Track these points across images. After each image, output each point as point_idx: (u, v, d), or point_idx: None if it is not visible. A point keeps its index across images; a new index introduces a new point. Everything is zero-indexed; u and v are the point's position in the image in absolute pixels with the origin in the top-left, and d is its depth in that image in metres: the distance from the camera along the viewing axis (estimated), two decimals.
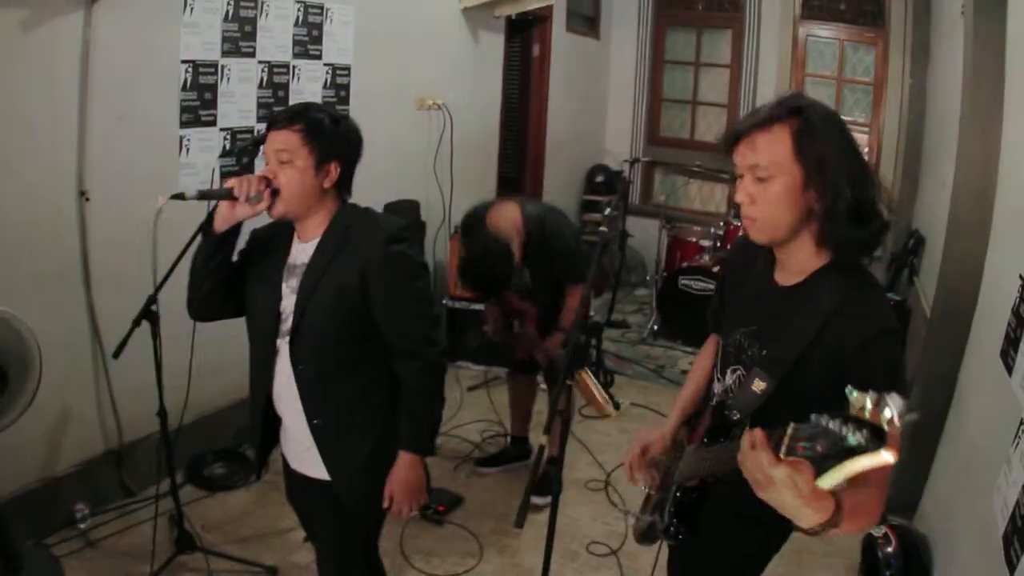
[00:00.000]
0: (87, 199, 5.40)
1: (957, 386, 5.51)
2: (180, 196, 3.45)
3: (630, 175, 11.92)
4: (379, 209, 7.91)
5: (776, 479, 2.09)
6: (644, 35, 12.93)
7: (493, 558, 5.72)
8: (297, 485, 3.90)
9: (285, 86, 6.90)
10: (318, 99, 7.23)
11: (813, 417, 1.97)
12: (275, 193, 3.39)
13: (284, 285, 3.55)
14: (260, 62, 6.60)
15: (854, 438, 1.85)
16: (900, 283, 8.86)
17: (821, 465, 1.96)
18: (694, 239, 10.62)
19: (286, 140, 3.36)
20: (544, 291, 6.14)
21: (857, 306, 2.66)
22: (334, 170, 3.46)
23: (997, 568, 3.66)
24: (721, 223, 10.47)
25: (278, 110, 3.42)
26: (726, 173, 11.43)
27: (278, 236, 3.65)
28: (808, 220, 2.69)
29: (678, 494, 3.18)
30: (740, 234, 3.37)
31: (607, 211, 4.60)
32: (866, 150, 11.14)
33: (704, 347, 3.63)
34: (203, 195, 3.47)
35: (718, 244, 10.26)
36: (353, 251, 3.45)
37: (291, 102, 6.90)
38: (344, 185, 3.59)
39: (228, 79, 6.34)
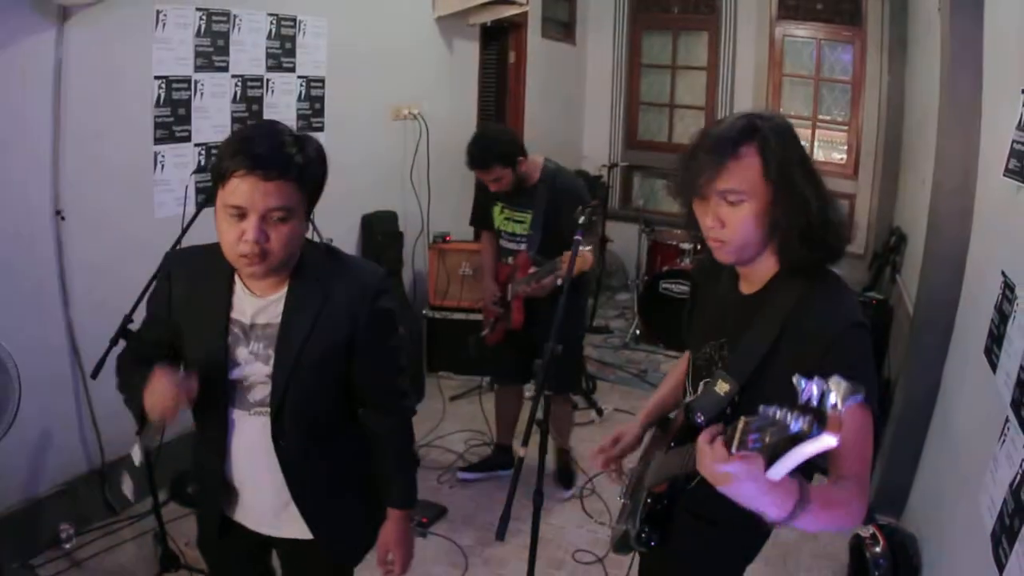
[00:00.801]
0: (63, 218, 5.37)
1: (942, 384, 5.53)
2: (135, 464, 3.18)
3: (609, 180, 11.96)
4: (357, 221, 7.93)
5: (731, 474, 2.13)
6: (620, 39, 12.95)
7: (478, 569, 5.72)
8: (250, 548, 3.51)
9: (259, 99, 6.90)
10: (292, 112, 7.28)
11: (762, 409, 2.02)
12: (264, 254, 2.79)
13: (243, 349, 3.08)
14: (233, 76, 6.59)
15: (797, 424, 1.89)
16: (882, 281, 8.87)
17: (771, 455, 2.00)
18: (674, 242, 10.60)
19: (285, 196, 2.75)
20: (536, 238, 6.21)
21: (819, 305, 2.69)
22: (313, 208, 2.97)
23: (985, 566, 3.66)
24: None
25: (244, 146, 2.74)
26: None
27: (209, 277, 3.08)
28: (773, 236, 2.72)
29: (648, 500, 3.17)
30: (704, 255, 3.35)
31: (581, 219, 4.58)
32: (845, 148, 11.21)
33: (680, 359, 3.65)
34: (146, 446, 3.20)
35: (698, 247, 10.15)
36: (337, 311, 3.03)
37: (265, 115, 6.95)
38: None
39: (201, 94, 6.32)
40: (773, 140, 2.64)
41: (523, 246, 6.27)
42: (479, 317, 7.02)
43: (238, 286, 3.07)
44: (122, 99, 5.73)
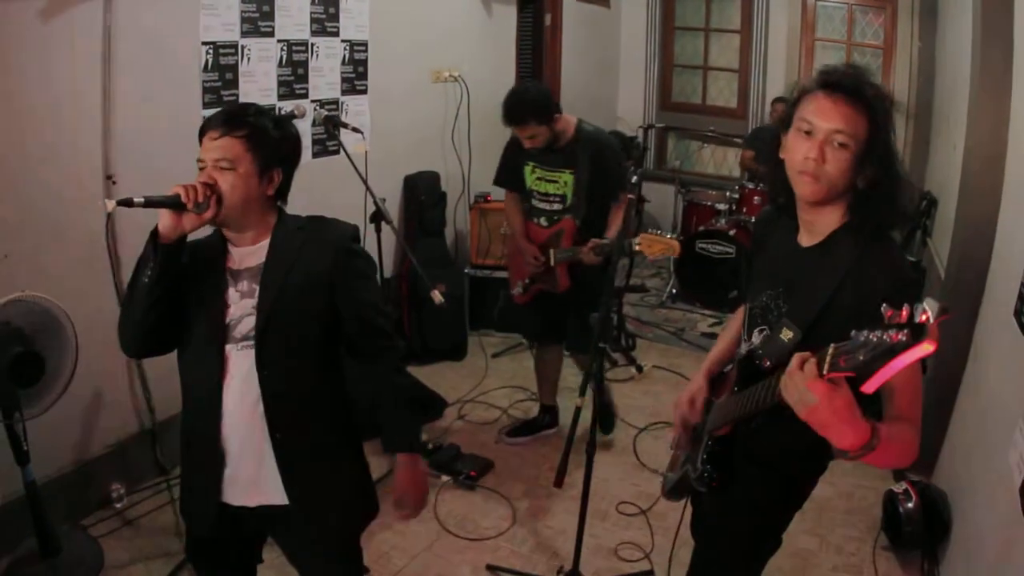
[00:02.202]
0: (114, 182, 5.49)
1: (972, 345, 5.55)
2: (128, 202, 3.06)
3: (644, 141, 12.03)
4: (400, 182, 8.04)
5: (817, 396, 2.27)
6: (654, 2, 12.94)
7: (526, 520, 5.82)
8: (237, 523, 3.47)
9: (304, 63, 7.00)
10: (336, 76, 7.38)
11: (853, 333, 2.14)
12: (218, 200, 3.15)
13: (232, 290, 3.31)
14: (279, 41, 6.69)
15: (895, 338, 2.00)
16: (914, 244, 8.87)
17: (865, 372, 2.10)
18: (709, 203, 10.71)
19: (228, 148, 3.15)
20: (582, 204, 6.18)
21: (878, 260, 2.82)
22: (277, 177, 3.29)
23: (1014, 521, 3.73)
24: (736, 186, 10.55)
25: (213, 114, 3.31)
26: (739, 138, 11.49)
27: (210, 248, 3.38)
28: (850, 190, 2.87)
29: (710, 443, 3.30)
30: (764, 208, 3.48)
31: (634, 179, 4.68)
32: None
33: (736, 313, 3.75)
34: (150, 202, 3.10)
35: (733, 208, 10.34)
36: (317, 247, 3.33)
37: (311, 79, 7.07)
38: (283, 193, 3.40)
39: (248, 59, 6.42)
40: (882, 106, 2.82)
41: (556, 206, 6.28)
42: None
43: (229, 244, 3.37)
44: (170, 65, 5.84)
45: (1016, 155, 5.22)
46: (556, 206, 6.29)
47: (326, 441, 3.46)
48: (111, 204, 3.06)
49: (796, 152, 2.89)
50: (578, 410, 4.13)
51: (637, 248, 5.39)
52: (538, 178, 6.37)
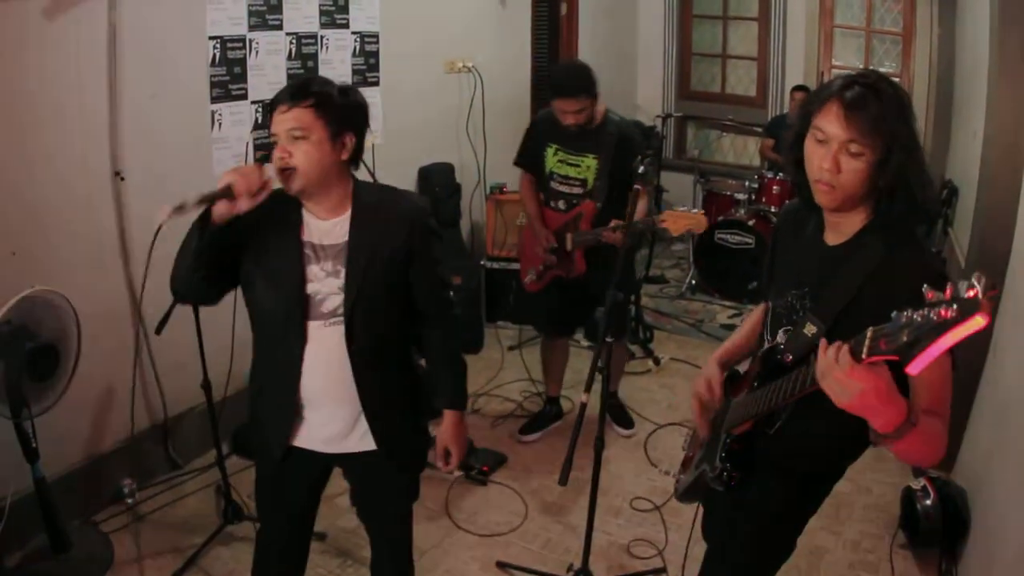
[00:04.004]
0: (122, 179, 5.49)
1: (993, 338, 5.50)
2: (181, 208, 3.13)
3: (663, 130, 11.94)
4: (415, 173, 8.01)
5: (860, 383, 2.25)
6: None
7: (538, 516, 5.81)
8: (310, 476, 3.87)
9: (314, 56, 6.97)
10: (347, 68, 7.35)
11: (894, 315, 2.11)
12: (289, 171, 3.32)
13: (315, 267, 3.47)
14: (288, 34, 6.66)
15: (944, 314, 1.95)
16: (934, 233, 8.82)
17: (908, 353, 2.05)
18: (729, 193, 10.64)
19: (298, 117, 3.29)
20: (604, 188, 6.12)
21: (903, 258, 2.78)
22: (349, 142, 3.43)
23: None
24: (755, 176, 10.48)
25: (279, 90, 3.45)
26: (759, 127, 11.41)
27: (281, 212, 3.51)
28: (873, 192, 2.82)
29: (728, 440, 3.26)
30: (788, 203, 3.45)
31: (641, 169, 4.63)
32: None
33: (756, 308, 3.72)
34: (204, 200, 3.20)
35: (753, 197, 10.29)
36: (398, 226, 3.52)
37: (320, 72, 6.99)
38: (356, 158, 3.54)
39: (256, 52, 6.41)
40: (896, 108, 2.76)
41: (576, 189, 6.24)
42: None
43: (306, 214, 3.51)
44: (177, 60, 5.84)
45: None
46: (576, 189, 6.23)
47: (404, 393, 3.77)
48: (165, 213, 3.13)
49: (812, 161, 2.87)
50: (583, 406, 4.10)
51: (662, 225, 5.44)
52: (559, 160, 6.30)
